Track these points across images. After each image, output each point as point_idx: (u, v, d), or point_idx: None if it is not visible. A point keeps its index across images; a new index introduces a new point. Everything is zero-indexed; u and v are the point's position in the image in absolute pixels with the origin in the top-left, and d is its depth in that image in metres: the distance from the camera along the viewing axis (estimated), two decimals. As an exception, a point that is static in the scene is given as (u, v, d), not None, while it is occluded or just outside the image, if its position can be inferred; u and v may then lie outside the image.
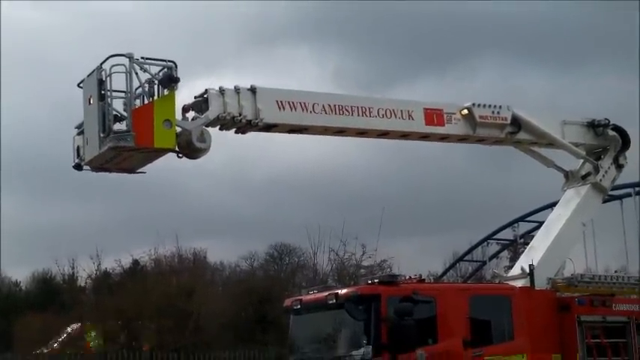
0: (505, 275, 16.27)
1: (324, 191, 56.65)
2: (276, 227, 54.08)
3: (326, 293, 13.80)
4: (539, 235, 17.04)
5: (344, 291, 13.66)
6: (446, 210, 59.16)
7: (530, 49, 67.28)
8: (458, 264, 43.47)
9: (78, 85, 12.19)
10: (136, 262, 34.61)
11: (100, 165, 12.33)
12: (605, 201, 31.34)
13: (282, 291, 28.07)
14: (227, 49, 69.58)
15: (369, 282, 13.88)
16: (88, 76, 11.95)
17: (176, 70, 11.89)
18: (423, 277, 15.08)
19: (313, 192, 55.68)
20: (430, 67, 73.96)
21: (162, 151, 12.14)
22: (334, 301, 13.34)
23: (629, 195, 30.75)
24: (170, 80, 11.85)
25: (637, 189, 30.75)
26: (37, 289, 43.50)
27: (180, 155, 12.32)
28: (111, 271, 35.64)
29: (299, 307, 14.46)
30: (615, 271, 24.58)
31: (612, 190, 30.51)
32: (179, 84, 11.98)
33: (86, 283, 37.79)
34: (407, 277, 14.30)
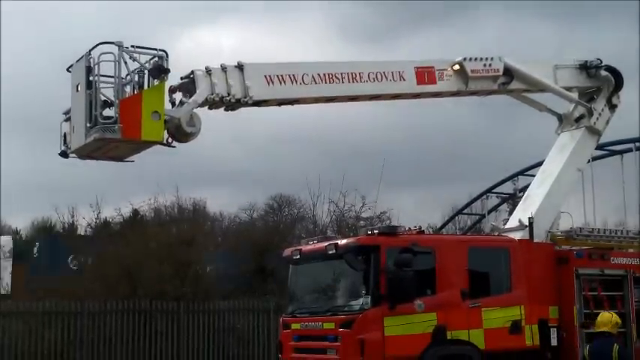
0: (503, 227, 16.34)
1: (324, 143, 56.59)
2: (276, 178, 54.14)
3: (325, 243, 13.87)
4: (535, 182, 17.05)
5: (343, 241, 13.73)
6: (446, 163, 59.24)
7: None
8: (457, 217, 43.58)
9: (67, 70, 11.85)
10: (135, 212, 34.72)
11: (86, 154, 12.10)
12: (605, 156, 31.53)
13: (281, 242, 28.16)
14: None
15: (369, 233, 13.94)
16: (77, 61, 11.60)
17: (167, 60, 11.51)
18: (422, 229, 15.14)
19: (314, 144, 55.64)
20: (436, 18, 73.29)
21: (150, 144, 11.82)
22: (334, 251, 13.42)
23: (629, 150, 30.67)
24: (160, 71, 11.48)
25: (638, 144, 30.66)
26: (37, 237, 43.69)
27: (169, 142, 11.93)
28: (110, 220, 35.81)
29: (298, 257, 14.54)
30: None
31: (613, 144, 30.62)
32: (169, 74, 11.59)
33: (86, 231, 37.98)
34: (406, 229, 14.35)
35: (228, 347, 23.21)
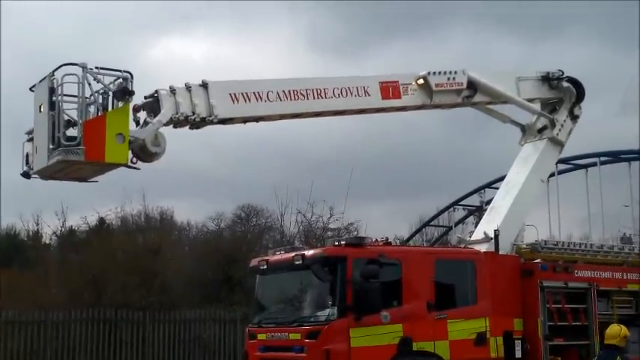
0: (469, 239, 16.43)
1: (293, 153, 56.52)
2: (244, 188, 53.90)
3: (292, 254, 13.83)
4: (499, 194, 17.16)
5: (310, 252, 13.70)
6: (414, 175, 59.47)
7: (504, 14, 67.24)
8: (424, 229, 43.88)
9: (30, 89, 11.66)
10: (102, 220, 34.42)
11: (49, 175, 11.86)
12: (570, 170, 31.91)
13: (248, 252, 28.11)
14: (199, 5, 68.74)
15: (336, 244, 13.94)
16: (40, 82, 11.41)
17: (131, 82, 11.35)
18: (389, 240, 15.19)
19: (282, 154, 55.52)
20: (405, 31, 73.81)
21: (114, 166, 11.64)
22: (300, 261, 13.38)
23: (594, 164, 31.14)
24: (124, 93, 11.30)
25: (602, 158, 31.16)
26: (1, 245, 43.10)
27: (134, 163, 11.75)
28: (76, 228, 35.46)
29: (265, 267, 14.50)
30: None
31: (577, 159, 31.05)
32: (134, 96, 11.43)
33: (51, 239, 37.59)
34: (373, 240, 14.38)
35: (194, 357, 23.10)
